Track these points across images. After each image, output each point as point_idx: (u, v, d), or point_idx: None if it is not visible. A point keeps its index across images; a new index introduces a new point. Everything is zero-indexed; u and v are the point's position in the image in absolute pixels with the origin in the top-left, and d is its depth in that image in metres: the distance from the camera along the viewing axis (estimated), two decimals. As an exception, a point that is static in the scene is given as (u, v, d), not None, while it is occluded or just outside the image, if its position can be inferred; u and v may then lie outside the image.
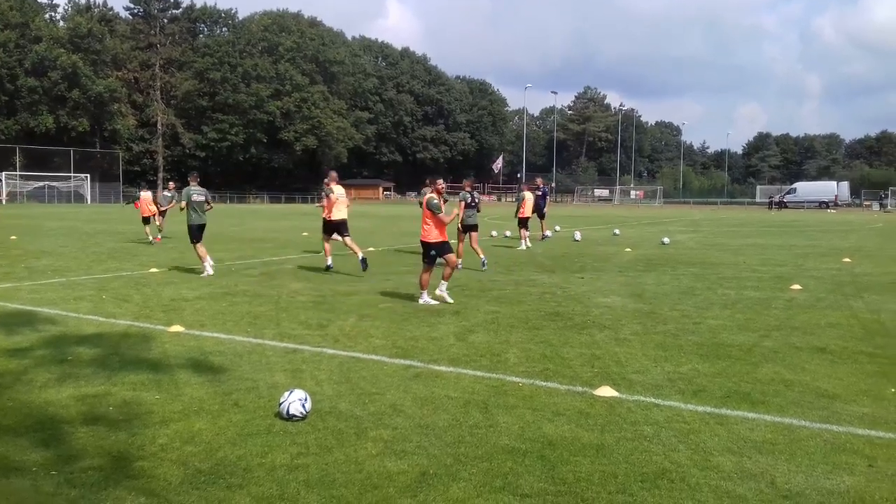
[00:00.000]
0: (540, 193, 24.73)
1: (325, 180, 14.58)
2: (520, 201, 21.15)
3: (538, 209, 23.72)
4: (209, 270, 13.28)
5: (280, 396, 5.22)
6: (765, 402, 5.66)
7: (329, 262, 14.26)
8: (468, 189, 15.18)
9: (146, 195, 22.93)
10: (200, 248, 13.54)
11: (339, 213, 14.20)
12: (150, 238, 21.27)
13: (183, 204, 13.78)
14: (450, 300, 10.34)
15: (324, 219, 14.41)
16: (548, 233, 24.35)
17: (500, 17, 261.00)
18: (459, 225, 14.77)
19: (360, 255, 13.65)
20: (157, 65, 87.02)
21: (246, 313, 9.40)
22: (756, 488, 4.06)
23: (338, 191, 14.28)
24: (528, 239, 20.48)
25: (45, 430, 4.87)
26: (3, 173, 67.09)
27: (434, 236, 10.38)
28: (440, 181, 10.96)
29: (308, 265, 15.31)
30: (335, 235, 14.41)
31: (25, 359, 6.79)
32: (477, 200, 15.47)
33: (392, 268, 14.94)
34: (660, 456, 4.51)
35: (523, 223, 20.62)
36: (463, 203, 14.69)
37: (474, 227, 15.11)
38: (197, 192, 13.66)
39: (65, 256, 16.64)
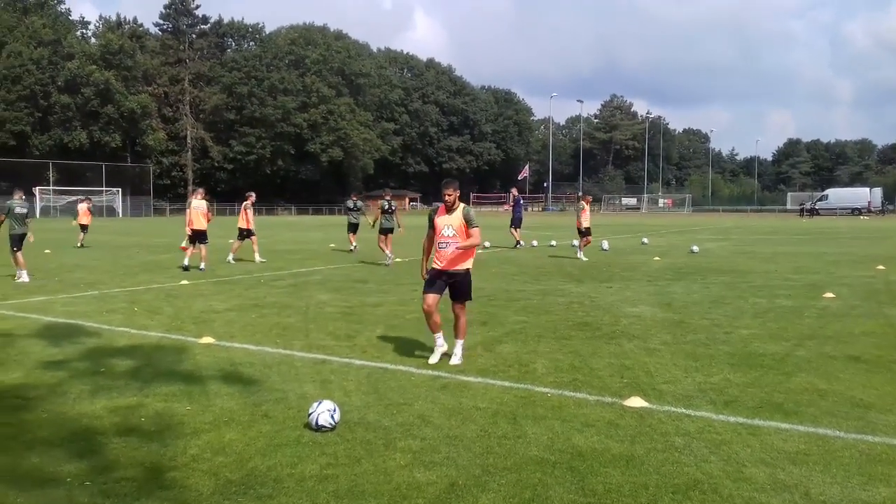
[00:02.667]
0: (513, 204, 25.27)
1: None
2: (578, 211, 20.39)
3: (515, 218, 24.57)
4: (25, 278, 14.22)
5: (309, 407, 5.25)
6: (798, 413, 5.57)
7: (185, 262, 16.48)
8: (387, 198, 18.91)
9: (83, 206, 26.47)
10: (19, 256, 14.47)
11: (198, 223, 16.59)
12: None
13: (2, 217, 14.81)
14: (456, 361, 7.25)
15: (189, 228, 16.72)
16: (521, 243, 24.78)
17: (525, 26, 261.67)
18: (379, 228, 18.43)
19: (203, 266, 16.35)
20: (187, 79, 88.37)
21: (275, 324, 9.47)
22: (790, 500, 4.00)
23: (195, 203, 16.85)
24: (583, 251, 19.92)
25: (79, 441, 4.94)
26: (37, 188, 68.34)
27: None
28: (447, 189, 7.26)
29: (336, 276, 15.39)
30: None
31: (60, 371, 6.90)
32: (393, 208, 18.81)
33: (419, 278, 14.94)
34: (691, 467, 4.45)
35: (583, 233, 19.96)
36: (380, 210, 18.31)
37: (391, 230, 18.33)
38: (19, 206, 14.82)
39: (97, 270, 16.91)
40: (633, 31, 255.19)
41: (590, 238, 20.20)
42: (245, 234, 19.05)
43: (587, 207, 20.35)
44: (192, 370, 6.95)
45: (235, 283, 14.15)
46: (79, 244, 24.65)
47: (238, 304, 11.29)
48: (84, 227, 25.43)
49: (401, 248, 20.48)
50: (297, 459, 4.58)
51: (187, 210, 16.99)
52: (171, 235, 32.81)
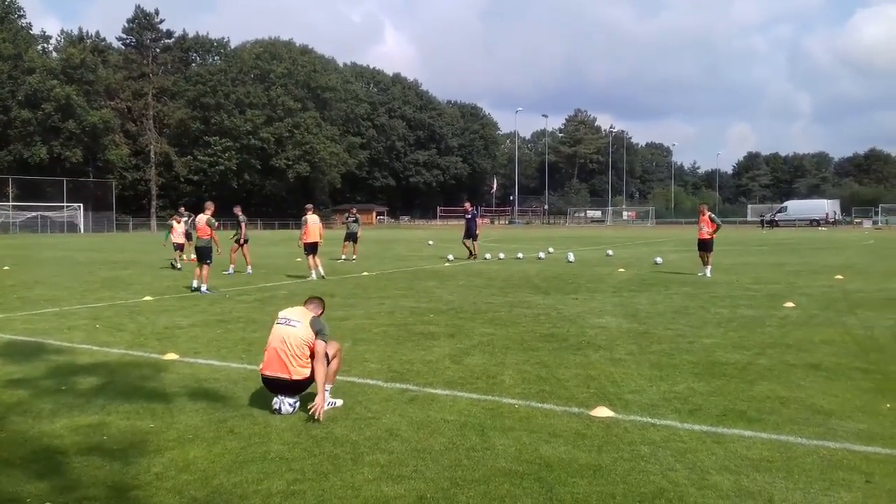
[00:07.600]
0: (469, 216, 25.65)
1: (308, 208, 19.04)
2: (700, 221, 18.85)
3: (469, 231, 25.00)
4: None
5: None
6: (761, 420, 5.67)
7: (321, 272, 17.83)
8: (310, 211, 19.33)
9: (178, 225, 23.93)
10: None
11: (313, 237, 18.27)
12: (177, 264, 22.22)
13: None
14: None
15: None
16: (476, 254, 25.32)
17: (491, 41, 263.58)
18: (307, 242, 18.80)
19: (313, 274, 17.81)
20: (150, 94, 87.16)
21: (240, 340, 9.38)
22: (754, 506, 4.05)
23: (311, 219, 18.45)
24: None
25: (41, 461, 4.84)
26: (-5, 204, 66.94)
27: None
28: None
29: (303, 291, 15.28)
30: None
31: (19, 389, 6.76)
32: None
33: (386, 291, 14.93)
34: (657, 476, 4.50)
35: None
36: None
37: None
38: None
39: (58, 286, 16.58)
40: (598, 47, 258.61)
41: (709, 253, 18.41)
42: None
43: (706, 216, 18.59)
44: (155, 387, 6.85)
45: (200, 299, 13.99)
46: (191, 258, 22.22)
47: (203, 320, 11.16)
48: (181, 246, 23.32)
49: (369, 261, 20.34)
50: (263, 476, 4.54)
51: (304, 225, 18.41)
52: (134, 251, 32.33)
